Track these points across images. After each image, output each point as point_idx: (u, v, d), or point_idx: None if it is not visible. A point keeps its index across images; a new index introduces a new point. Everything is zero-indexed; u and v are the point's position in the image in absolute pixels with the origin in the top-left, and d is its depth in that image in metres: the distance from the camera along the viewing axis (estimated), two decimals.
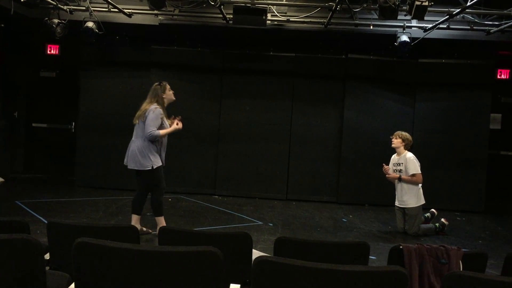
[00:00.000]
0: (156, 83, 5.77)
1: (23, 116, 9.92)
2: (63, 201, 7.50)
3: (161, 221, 5.69)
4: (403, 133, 6.74)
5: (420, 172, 6.51)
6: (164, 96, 5.68)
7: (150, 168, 5.50)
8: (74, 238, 2.05)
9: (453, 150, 8.56)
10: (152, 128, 5.45)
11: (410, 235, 6.44)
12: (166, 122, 5.64)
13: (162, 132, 5.53)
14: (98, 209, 7.07)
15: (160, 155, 5.64)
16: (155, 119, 5.48)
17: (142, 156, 5.50)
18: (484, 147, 8.58)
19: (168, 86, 5.77)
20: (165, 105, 5.73)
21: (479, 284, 1.96)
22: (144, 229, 5.86)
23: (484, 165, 8.57)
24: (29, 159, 9.93)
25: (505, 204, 9.07)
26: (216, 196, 8.69)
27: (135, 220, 5.71)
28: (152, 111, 5.51)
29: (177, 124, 5.68)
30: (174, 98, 5.83)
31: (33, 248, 2.16)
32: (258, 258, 1.96)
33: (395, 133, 6.78)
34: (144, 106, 5.62)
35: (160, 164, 5.61)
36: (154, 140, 5.53)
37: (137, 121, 5.61)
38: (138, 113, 5.61)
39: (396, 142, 6.69)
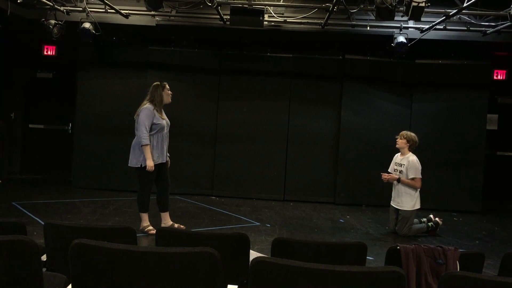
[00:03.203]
0: (157, 82, 5.86)
1: (20, 117, 9.89)
2: (60, 202, 7.48)
3: (143, 218, 5.85)
4: (409, 133, 6.64)
5: (420, 177, 6.44)
6: (162, 95, 5.76)
7: (139, 166, 5.62)
8: (71, 239, 2.05)
9: (450, 150, 8.58)
10: (142, 129, 5.55)
11: (407, 236, 6.44)
12: (161, 119, 5.71)
13: (145, 149, 5.53)
14: (95, 210, 7.05)
15: (158, 151, 5.68)
16: (145, 119, 5.59)
17: (133, 153, 5.68)
18: (481, 148, 8.60)
19: (167, 87, 5.84)
20: (162, 104, 5.80)
21: (476, 284, 1.96)
22: (176, 225, 6.03)
23: (481, 166, 8.59)
24: (26, 160, 9.90)
25: (502, 205, 9.09)
26: (213, 197, 8.68)
27: (164, 217, 5.95)
28: (143, 110, 5.65)
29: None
30: (169, 101, 5.89)
31: (30, 249, 2.15)
32: (255, 259, 1.96)
33: (401, 133, 6.69)
34: (142, 103, 5.76)
35: (156, 162, 5.65)
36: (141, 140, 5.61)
37: (135, 117, 5.77)
38: (137, 109, 5.76)
39: (400, 142, 6.62)
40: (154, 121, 5.62)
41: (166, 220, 5.97)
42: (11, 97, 9.73)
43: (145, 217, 5.84)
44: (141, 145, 5.55)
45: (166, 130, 5.80)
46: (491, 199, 8.97)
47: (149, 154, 5.54)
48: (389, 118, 8.66)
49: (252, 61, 8.81)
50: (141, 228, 5.79)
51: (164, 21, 7.88)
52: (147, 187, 5.76)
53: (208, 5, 6.74)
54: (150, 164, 5.53)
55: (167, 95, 5.81)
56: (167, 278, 1.99)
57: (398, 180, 6.50)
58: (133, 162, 5.68)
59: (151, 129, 5.61)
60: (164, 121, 5.78)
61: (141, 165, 5.60)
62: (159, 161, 5.72)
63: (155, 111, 5.66)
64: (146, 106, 5.67)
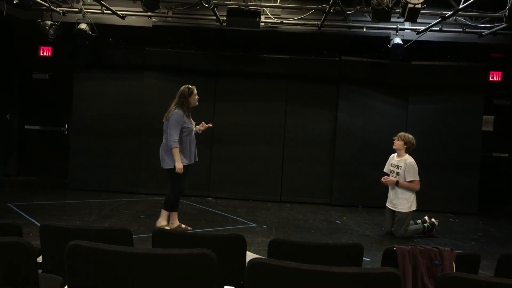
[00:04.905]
0: (185, 86, 5.99)
1: (16, 118, 9.86)
2: (56, 204, 7.46)
3: (163, 215, 5.98)
4: (407, 135, 6.61)
5: (418, 179, 6.43)
6: (189, 100, 5.91)
7: (171, 167, 5.79)
8: (67, 241, 2.04)
9: (446, 152, 8.60)
10: (172, 133, 5.70)
11: (403, 237, 6.45)
12: (189, 123, 5.91)
13: (174, 151, 5.71)
14: (91, 211, 7.03)
15: (186, 153, 5.88)
16: (176, 124, 5.74)
17: (167, 155, 5.85)
18: (477, 149, 8.63)
19: (195, 91, 5.99)
20: (190, 108, 5.99)
21: (472, 285, 1.97)
22: (183, 226, 6.17)
23: (476, 167, 8.62)
24: (22, 161, 9.86)
25: (498, 206, 9.12)
26: (210, 198, 8.68)
27: (173, 217, 6.07)
28: (173, 114, 5.79)
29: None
30: (196, 104, 6.05)
31: (26, 251, 2.14)
32: (252, 260, 1.96)
33: (399, 134, 6.66)
34: (171, 107, 5.91)
35: (184, 163, 5.82)
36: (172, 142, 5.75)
37: (163, 120, 5.93)
38: (166, 113, 5.92)
39: (397, 144, 6.59)
40: (185, 125, 5.80)
41: (174, 220, 6.10)
42: (7, 98, 9.69)
43: (167, 216, 5.99)
44: (171, 148, 5.71)
45: (193, 133, 5.99)
46: (487, 200, 8.99)
47: (178, 157, 5.72)
48: (385, 119, 8.67)
49: (249, 62, 8.82)
50: (159, 225, 5.89)
51: (161, 22, 7.88)
52: (178, 187, 5.93)
53: (205, 6, 6.74)
54: (179, 166, 5.72)
55: (194, 100, 5.98)
56: (163, 280, 1.98)
57: (397, 183, 6.48)
58: (167, 163, 5.83)
59: (181, 132, 5.78)
60: (193, 124, 5.98)
61: (174, 166, 5.76)
62: (189, 162, 5.93)
63: (184, 116, 5.82)
64: (176, 111, 5.81)
